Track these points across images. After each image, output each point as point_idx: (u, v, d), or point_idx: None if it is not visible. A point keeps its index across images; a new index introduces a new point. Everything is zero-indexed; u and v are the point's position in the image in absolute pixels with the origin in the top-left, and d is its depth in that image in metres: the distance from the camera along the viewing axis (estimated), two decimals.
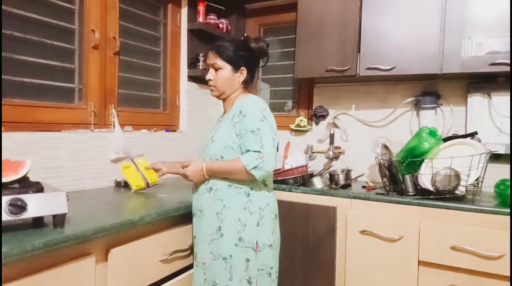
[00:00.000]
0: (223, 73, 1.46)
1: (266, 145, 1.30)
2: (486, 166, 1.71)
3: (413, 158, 1.78)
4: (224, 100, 1.54)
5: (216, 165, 1.37)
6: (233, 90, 1.49)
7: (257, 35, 2.85)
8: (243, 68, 1.47)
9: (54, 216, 1.10)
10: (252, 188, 1.39)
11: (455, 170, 1.68)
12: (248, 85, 1.52)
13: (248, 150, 1.32)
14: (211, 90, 1.52)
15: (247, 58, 1.48)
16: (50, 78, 1.75)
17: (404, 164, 1.81)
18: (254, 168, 1.29)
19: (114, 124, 1.96)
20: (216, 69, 1.47)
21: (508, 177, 1.79)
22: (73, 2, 1.83)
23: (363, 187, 2.08)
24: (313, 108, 2.58)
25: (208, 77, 1.49)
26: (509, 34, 1.81)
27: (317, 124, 2.59)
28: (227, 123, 1.41)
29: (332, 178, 2.13)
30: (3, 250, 0.91)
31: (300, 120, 2.57)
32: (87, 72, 1.88)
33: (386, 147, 1.93)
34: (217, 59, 1.46)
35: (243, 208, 1.37)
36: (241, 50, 1.47)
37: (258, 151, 1.29)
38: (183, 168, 1.45)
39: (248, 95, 1.46)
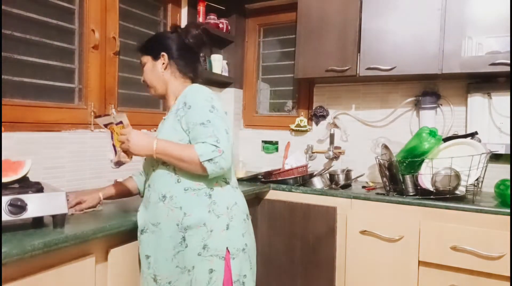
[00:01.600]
0: (147, 67, 1.36)
1: (221, 139, 1.12)
2: (486, 166, 1.71)
3: (413, 158, 1.78)
4: (165, 97, 1.38)
5: (168, 145, 1.16)
6: (165, 81, 1.34)
7: (257, 34, 2.85)
8: (162, 53, 1.32)
9: (54, 216, 1.10)
10: (212, 188, 1.19)
11: (455, 170, 1.68)
12: (184, 74, 1.34)
13: (204, 142, 1.12)
14: (150, 92, 1.40)
15: (168, 43, 1.33)
16: (50, 78, 1.75)
17: (404, 164, 1.81)
18: (208, 160, 1.09)
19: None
20: (143, 67, 1.37)
21: (508, 177, 1.79)
22: (73, 2, 1.83)
23: (363, 187, 2.08)
24: (313, 108, 2.58)
25: (142, 79, 1.40)
26: (509, 34, 1.81)
27: (317, 124, 2.59)
28: (171, 119, 1.24)
29: (332, 178, 2.13)
30: (3, 250, 0.90)
31: (300, 120, 2.57)
32: (87, 72, 1.88)
33: (386, 147, 1.93)
34: (141, 57, 1.38)
35: (208, 211, 1.17)
36: (161, 38, 1.37)
37: (214, 145, 1.10)
38: (121, 133, 1.21)
39: (193, 84, 1.29)
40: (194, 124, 1.16)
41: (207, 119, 1.14)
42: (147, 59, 1.36)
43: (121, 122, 1.23)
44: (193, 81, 1.37)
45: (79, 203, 1.33)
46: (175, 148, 1.15)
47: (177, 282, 1.18)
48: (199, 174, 1.15)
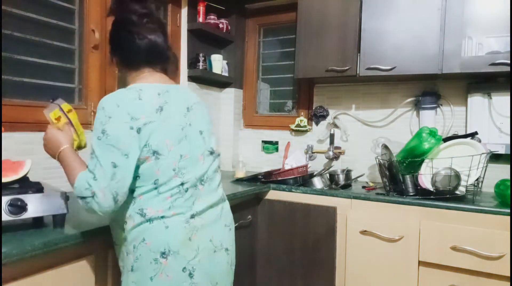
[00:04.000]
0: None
1: (100, 177, 0.96)
2: (486, 166, 1.71)
3: (413, 158, 1.78)
4: None
5: (70, 159, 1.07)
6: (126, 83, 1.17)
7: (257, 34, 2.84)
8: (110, 54, 1.19)
9: (54, 216, 1.10)
10: (125, 222, 1.05)
11: (455, 170, 1.68)
12: (132, 66, 1.14)
13: (84, 174, 1.00)
14: None
15: (110, 39, 1.17)
16: (50, 78, 1.75)
17: (404, 164, 1.81)
18: (80, 197, 0.98)
19: None
20: None
21: (508, 177, 1.79)
22: (73, 2, 1.83)
23: (363, 187, 2.08)
24: (313, 108, 2.58)
25: None
26: (509, 34, 1.81)
27: (317, 124, 2.59)
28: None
29: (332, 178, 2.13)
30: (3, 250, 0.91)
31: (300, 120, 2.57)
32: (87, 72, 1.88)
33: (386, 147, 1.93)
34: None
35: (123, 246, 1.07)
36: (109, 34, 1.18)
37: (88, 183, 0.97)
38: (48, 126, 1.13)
39: (114, 92, 1.09)
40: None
41: (93, 148, 1.01)
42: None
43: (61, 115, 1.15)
44: (151, 69, 1.13)
45: None
46: (70, 165, 1.06)
47: None
48: None
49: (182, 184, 1.06)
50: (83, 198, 0.97)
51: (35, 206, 1.05)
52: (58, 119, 1.14)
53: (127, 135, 0.99)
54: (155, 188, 1.03)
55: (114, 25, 1.15)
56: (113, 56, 1.17)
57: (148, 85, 1.08)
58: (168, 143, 1.04)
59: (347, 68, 2.12)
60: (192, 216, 1.07)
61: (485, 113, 2.04)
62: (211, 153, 1.18)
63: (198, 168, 1.11)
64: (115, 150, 0.98)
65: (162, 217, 1.03)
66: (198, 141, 1.13)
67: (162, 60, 1.15)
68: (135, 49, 1.10)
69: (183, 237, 1.04)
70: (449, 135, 2.05)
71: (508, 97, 1.97)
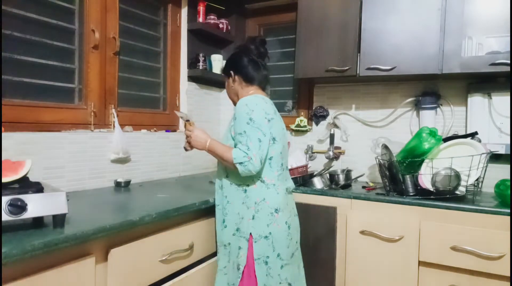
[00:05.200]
0: (226, 85, 1.70)
1: (252, 147, 1.41)
2: (486, 166, 1.71)
3: (413, 158, 1.78)
4: None
5: (216, 145, 1.51)
6: (236, 92, 1.65)
7: (257, 34, 2.85)
8: (230, 71, 1.64)
9: (54, 216, 1.10)
10: (248, 185, 1.49)
11: (455, 170, 1.68)
12: (250, 83, 1.62)
13: (239, 148, 1.44)
14: None
15: (234, 63, 1.65)
16: (50, 78, 1.75)
17: (404, 164, 1.81)
18: (239, 163, 1.40)
19: (114, 124, 1.96)
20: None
21: (508, 177, 1.79)
22: (73, 2, 1.83)
23: (363, 187, 2.08)
24: (313, 108, 2.58)
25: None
26: (509, 34, 1.81)
27: (317, 124, 2.59)
28: (228, 126, 1.61)
29: (332, 178, 2.13)
30: (3, 250, 0.91)
31: (300, 120, 2.57)
32: (87, 72, 1.88)
33: (386, 147, 1.93)
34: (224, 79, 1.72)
35: (242, 203, 1.50)
36: (231, 59, 1.68)
37: (244, 152, 1.40)
38: (188, 130, 1.60)
39: (247, 96, 1.53)
40: (236, 133, 1.47)
41: (244, 130, 1.44)
42: (224, 79, 1.70)
43: (188, 120, 1.62)
44: (259, 85, 1.64)
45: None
46: (221, 149, 1.49)
47: (218, 251, 1.60)
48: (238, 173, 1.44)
49: (281, 164, 1.55)
50: (241, 163, 1.40)
51: (35, 206, 1.05)
52: (189, 122, 1.62)
53: (265, 123, 1.46)
54: (269, 164, 1.50)
55: (245, 57, 1.62)
56: (237, 76, 1.62)
57: (263, 96, 1.57)
58: (279, 134, 1.53)
59: (347, 68, 2.12)
60: (287, 189, 1.57)
61: (485, 113, 2.04)
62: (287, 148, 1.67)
63: (287, 156, 1.65)
64: (258, 131, 1.44)
65: (274, 185, 1.50)
66: (286, 139, 1.65)
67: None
68: (256, 74, 1.62)
69: (285, 201, 1.53)
70: (449, 135, 2.04)
71: (508, 97, 1.97)
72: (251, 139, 1.42)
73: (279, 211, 1.49)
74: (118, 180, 1.93)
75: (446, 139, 1.82)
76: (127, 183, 1.93)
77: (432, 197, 1.70)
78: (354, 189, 2.05)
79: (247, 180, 1.49)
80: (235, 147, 1.47)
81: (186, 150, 1.65)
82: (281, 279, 1.49)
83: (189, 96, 2.52)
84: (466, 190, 1.72)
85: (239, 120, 1.46)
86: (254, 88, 1.62)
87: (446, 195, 1.69)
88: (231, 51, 2.75)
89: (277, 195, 1.50)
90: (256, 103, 1.48)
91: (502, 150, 1.98)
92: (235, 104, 1.63)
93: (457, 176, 1.68)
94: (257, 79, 1.62)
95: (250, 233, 1.46)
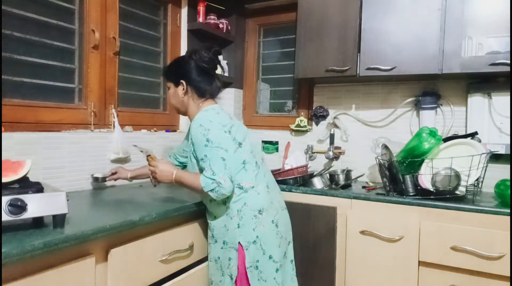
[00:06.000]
0: (170, 91, 1.60)
1: (217, 170, 1.36)
2: (486, 166, 1.71)
3: (413, 158, 1.78)
4: (188, 116, 1.62)
5: (183, 176, 1.45)
6: (186, 105, 1.57)
7: (256, 34, 2.85)
8: (181, 81, 1.54)
9: (54, 216, 1.10)
10: (228, 197, 1.44)
11: (455, 170, 1.68)
12: (202, 96, 1.55)
13: (205, 175, 1.38)
14: (175, 111, 1.67)
15: (186, 70, 1.54)
16: (50, 78, 1.75)
17: (404, 164, 1.81)
18: (210, 191, 1.36)
19: (114, 124, 1.96)
20: (168, 90, 1.62)
21: (508, 177, 1.79)
22: (73, 2, 1.83)
23: (363, 187, 2.08)
24: (313, 108, 2.58)
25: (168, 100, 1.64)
26: (509, 34, 1.81)
27: (317, 124, 2.59)
28: (188, 152, 1.55)
29: (332, 178, 2.13)
30: (3, 250, 0.91)
31: (300, 120, 2.57)
32: (87, 72, 1.88)
33: (386, 147, 1.93)
34: (166, 82, 1.63)
35: (225, 214, 1.47)
36: (180, 65, 1.57)
37: (211, 178, 1.35)
38: (152, 165, 1.52)
39: (199, 114, 1.49)
40: (198, 159, 1.44)
41: (204, 154, 1.39)
42: (169, 85, 1.60)
43: (149, 155, 1.56)
44: (210, 98, 1.58)
45: (114, 174, 1.80)
46: (188, 179, 1.44)
47: (211, 269, 1.56)
48: None
49: (256, 162, 1.51)
50: (212, 190, 1.35)
51: (35, 206, 1.05)
52: (151, 157, 1.55)
53: (225, 137, 1.42)
54: (243, 167, 1.46)
55: (197, 66, 1.53)
56: (189, 86, 1.54)
57: (215, 106, 1.55)
58: (242, 135, 1.50)
59: (347, 68, 2.12)
60: (267, 186, 1.52)
61: (485, 113, 2.04)
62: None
63: (260, 152, 1.55)
64: (218, 150, 1.39)
65: (252, 187, 1.46)
66: (248, 134, 1.59)
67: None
68: (210, 87, 1.56)
69: (268, 200, 1.49)
70: (449, 135, 2.04)
71: (508, 97, 1.97)
72: (214, 161, 1.37)
73: (263, 211, 1.46)
74: (95, 175, 1.83)
75: (446, 139, 1.82)
76: (104, 179, 1.82)
77: (432, 197, 1.70)
78: (354, 189, 2.05)
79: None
80: (201, 172, 1.42)
81: (154, 185, 1.61)
82: (277, 283, 1.47)
83: None
84: (466, 190, 1.72)
85: (197, 145, 1.42)
86: (205, 100, 1.56)
87: (446, 195, 1.69)
88: (231, 51, 2.78)
89: (258, 196, 1.47)
90: (210, 120, 1.44)
91: (502, 150, 1.98)
92: (179, 112, 1.63)
93: (457, 176, 1.68)
94: (210, 92, 1.56)
95: (239, 242, 1.43)
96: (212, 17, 2.57)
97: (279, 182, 2.09)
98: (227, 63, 2.71)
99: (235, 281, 1.45)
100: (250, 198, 1.45)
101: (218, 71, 2.54)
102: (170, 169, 1.49)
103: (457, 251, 1.61)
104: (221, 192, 1.35)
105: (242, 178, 1.45)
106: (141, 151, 1.61)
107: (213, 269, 1.54)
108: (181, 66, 1.57)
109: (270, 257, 1.46)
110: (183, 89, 1.54)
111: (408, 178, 1.80)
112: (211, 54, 1.54)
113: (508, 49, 1.80)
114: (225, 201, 1.45)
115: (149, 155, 1.56)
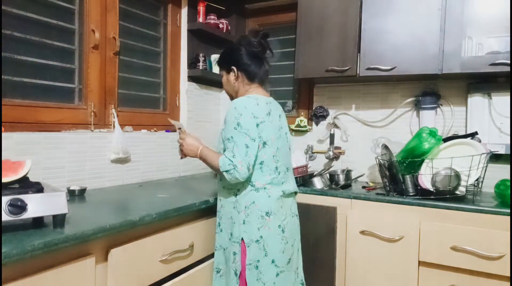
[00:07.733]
0: (223, 79, 1.65)
1: (238, 154, 1.39)
2: (486, 166, 1.71)
3: (413, 158, 1.78)
4: None
5: (206, 153, 1.51)
6: (236, 90, 1.61)
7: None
8: (232, 67, 1.58)
9: (54, 216, 1.10)
10: (239, 189, 1.48)
11: (455, 170, 1.68)
12: (252, 81, 1.58)
13: (225, 155, 1.43)
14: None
15: (236, 57, 1.57)
16: (50, 78, 1.75)
17: (404, 164, 1.81)
18: (226, 171, 1.39)
19: (114, 124, 1.96)
20: (222, 79, 1.66)
21: (508, 177, 1.79)
22: (73, 2, 1.83)
23: (363, 187, 2.08)
24: (313, 108, 2.58)
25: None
26: (509, 34, 1.81)
27: (317, 124, 2.59)
28: (220, 130, 1.57)
29: (332, 178, 2.13)
30: (3, 250, 0.91)
31: (300, 120, 2.57)
32: (87, 72, 1.88)
33: (386, 147, 1.93)
34: (219, 70, 1.68)
35: (233, 207, 1.49)
36: (230, 52, 1.61)
37: (230, 159, 1.39)
38: (181, 138, 1.60)
39: (239, 98, 1.50)
40: (224, 138, 1.47)
41: (231, 135, 1.42)
42: (222, 73, 1.65)
43: (180, 128, 1.64)
44: (259, 83, 1.60)
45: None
46: (210, 157, 1.48)
47: (215, 253, 1.58)
48: None
49: (276, 168, 1.50)
50: (227, 171, 1.38)
51: (35, 206, 1.05)
52: (181, 131, 1.63)
53: (254, 127, 1.42)
54: (260, 168, 1.46)
55: (247, 51, 1.56)
56: (240, 72, 1.57)
57: (260, 96, 1.52)
58: (272, 137, 1.48)
59: (347, 68, 2.12)
60: (284, 192, 1.51)
61: (485, 113, 2.04)
62: (289, 149, 1.64)
63: (287, 159, 1.58)
64: (245, 137, 1.41)
65: (265, 188, 1.47)
66: (285, 139, 1.59)
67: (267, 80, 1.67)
68: (260, 70, 1.58)
69: (278, 205, 1.48)
70: (449, 135, 2.04)
71: (508, 97, 1.97)
72: (238, 145, 1.40)
73: (271, 215, 1.45)
74: (72, 187, 1.65)
75: (446, 139, 1.82)
76: (82, 191, 1.66)
77: (432, 197, 1.70)
78: (354, 189, 2.05)
79: (237, 184, 1.47)
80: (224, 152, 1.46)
81: (181, 158, 1.65)
82: None
83: (189, 96, 2.52)
84: (466, 190, 1.72)
85: (227, 125, 1.45)
86: (254, 86, 1.58)
87: (446, 195, 1.69)
88: None
89: (269, 198, 1.46)
90: (245, 106, 1.44)
91: (502, 150, 1.98)
92: (232, 99, 1.61)
93: (457, 176, 1.68)
94: (259, 75, 1.58)
95: (242, 238, 1.44)
96: (212, 17, 2.57)
97: None
98: None
99: (239, 277, 1.45)
100: (259, 199, 1.45)
101: (217, 69, 2.57)
102: (197, 144, 1.55)
103: (457, 251, 1.61)
104: (235, 175, 1.38)
105: (256, 177, 1.46)
106: (175, 125, 1.68)
107: (220, 258, 1.56)
108: (231, 53, 1.60)
109: (273, 261, 1.45)
110: (234, 75, 1.58)
111: (408, 178, 1.80)
112: (259, 38, 1.58)
113: (508, 49, 1.80)
114: (236, 193, 1.48)
115: (180, 129, 1.63)
